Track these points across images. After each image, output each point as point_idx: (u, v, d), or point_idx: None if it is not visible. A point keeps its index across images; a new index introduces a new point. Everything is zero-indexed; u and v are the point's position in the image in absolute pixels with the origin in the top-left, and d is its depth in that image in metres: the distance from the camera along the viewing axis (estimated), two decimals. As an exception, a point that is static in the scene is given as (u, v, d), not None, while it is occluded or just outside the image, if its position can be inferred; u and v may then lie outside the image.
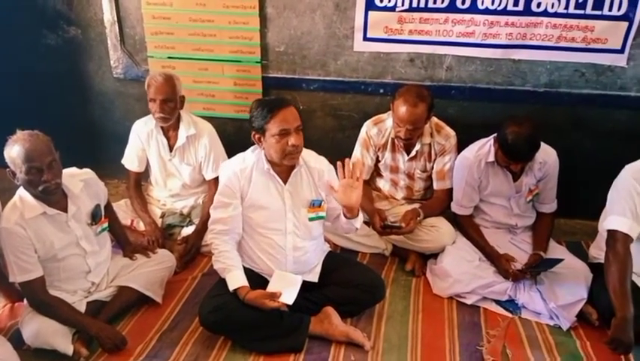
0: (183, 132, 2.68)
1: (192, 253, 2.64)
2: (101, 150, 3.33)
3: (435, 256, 2.59)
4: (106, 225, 2.24)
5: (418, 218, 2.53)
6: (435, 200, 2.69)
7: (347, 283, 2.22)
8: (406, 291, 2.47)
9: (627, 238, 2.13)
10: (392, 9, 2.72)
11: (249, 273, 2.12)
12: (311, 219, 2.16)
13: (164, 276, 2.39)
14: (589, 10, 2.59)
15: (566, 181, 2.61)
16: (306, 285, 2.18)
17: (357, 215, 2.15)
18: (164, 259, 2.41)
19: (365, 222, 2.68)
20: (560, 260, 2.28)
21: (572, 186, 2.74)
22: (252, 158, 2.11)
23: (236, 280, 2.03)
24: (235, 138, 3.10)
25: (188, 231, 2.72)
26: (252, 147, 2.14)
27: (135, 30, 3.06)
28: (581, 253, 2.62)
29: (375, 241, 2.72)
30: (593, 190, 2.39)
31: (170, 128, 2.70)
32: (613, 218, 2.18)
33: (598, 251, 2.34)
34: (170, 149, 2.73)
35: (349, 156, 2.74)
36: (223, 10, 2.86)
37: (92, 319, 2.10)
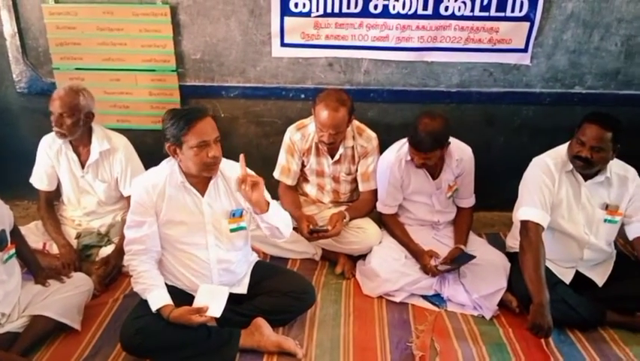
0: (96, 147, 2.54)
1: (113, 274, 2.50)
2: (7, 169, 3.09)
3: (364, 257, 2.62)
4: (13, 251, 2.07)
5: (345, 220, 2.55)
6: (361, 201, 2.72)
7: (277, 291, 2.19)
8: (337, 294, 2.48)
9: (539, 227, 2.26)
10: (307, 14, 2.73)
11: (173, 290, 2.03)
12: (232, 230, 2.11)
13: (82, 301, 2.25)
14: (493, 12, 2.73)
15: (482, 175, 2.73)
16: (235, 297, 2.13)
17: (267, 210, 2.03)
18: (80, 283, 2.27)
19: (293, 228, 2.69)
20: (472, 257, 2.38)
21: (488, 180, 2.86)
22: (164, 171, 2.02)
23: (158, 299, 1.94)
24: (154, 149, 2.90)
25: (107, 251, 2.57)
26: (165, 160, 2.05)
27: (38, 42, 2.87)
28: (500, 243, 2.76)
29: (304, 246, 2.71)
30: (507, 183, 2.52)
31: (80, 144, 2.55)
32: (524, 209, 2.30)
33: (514, 241, 2.45)
34: (82, 165, 2.58)
35: (275, 162, 2.74)
36: (133, 19, 2.74)
37: (3, 353, 1.92)
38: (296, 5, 2.70)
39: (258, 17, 2.76)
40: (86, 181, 2.61)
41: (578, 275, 2.36)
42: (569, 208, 2.32)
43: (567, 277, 2.35)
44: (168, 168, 2.02)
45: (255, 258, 2.34)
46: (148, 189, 1.99)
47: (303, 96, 2.93)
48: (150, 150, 2.86)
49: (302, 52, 2.84)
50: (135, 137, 2.73)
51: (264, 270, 2.28)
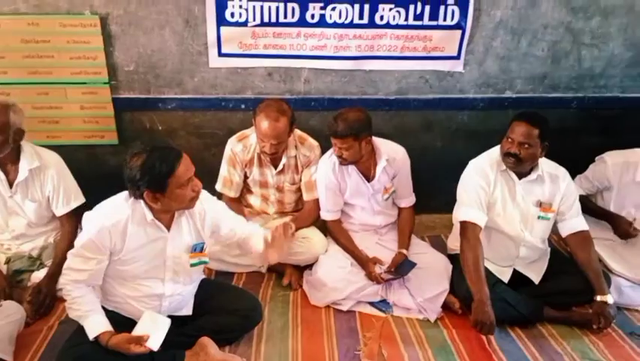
0: (25, 165, 2.39)
1: (46, 302, 2.36)
2: None
3: (310, 266, 2.61)
4: None
5: (290, 231, 2.53)
6: (306, 211, 2.72)
7: (222, 310, 2.14)
8: (284, 306, 2.46)
9: (476, 228, 2.34)
10: (244, 24, 2.70)
11: (113, 315, 1.94)
12: (193, 265, 2.04)
13: (13, 330, 2.11)
14: (426, 21, 2.80)
15: (422, 179, 2.80)
16: (180, 319, 2.06)
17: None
18: (10, 312, 2.13)
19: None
20: (413, 265, 2.44)
21: (428, 183, 2.94)
22: (125, 210, 1.88)
23: (96, 325, 1.85)
24: (87, 165, 2.87)
25: (39, 275, 2.42)
26: (123, 197, 1.91)
27: (-43, 55, 2.68)
28: (442, 245, 2.83)
29: (250, 259, 2.67)
30: (446, 185, 2.59)
31: (8, 162, 2.39)
32: (462, 210, 2.39)
33: (454, 242, 2.53)
34: (10, 185, 2.43)
35: (217, 173, 2.68)
36: (60, 30, 2.61)
37: None
38: (232, 15, 2.66)
39: (193, 27, 2.70)
40: (14, 202, 2.45)
41: (516, 273, 2.46)
42: (505, 206, 2.41)
43: (505, 276, 2.44)
44: (129, 207, 1.88)
45: (200, 276, 2.28)
46: (108, 228, 1.84)
47: (243, 106, 2.90)
48: (82, 166, 2.75)
49: (240, 62, 2.80)
50: (66, 153, 2.58)
51: (209, 288, 2.22)
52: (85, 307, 1.86)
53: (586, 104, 3.10)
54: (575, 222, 2.41)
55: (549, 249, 2.53)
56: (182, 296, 2.08)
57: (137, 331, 1.88)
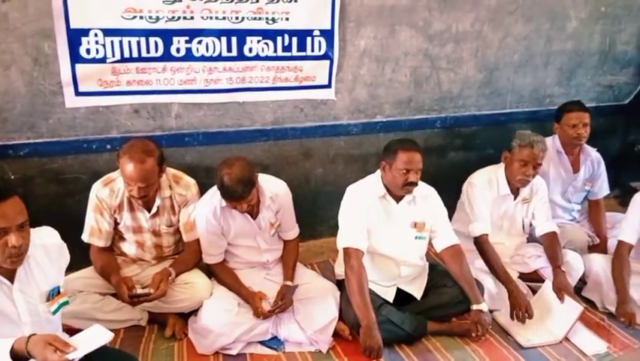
0: None
1: None
2: None
3: (195, 312, 2.47)
4: None
5: (170, 278, 2.38)
6: (187, 253, 2.57)
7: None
8: (169, 360, 2.29)
9: (359, 253, 2.38)
10: (103, 60, 2.53)
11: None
12: (55, 312, 1.80)
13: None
14: (295, 53, 2.84)
15: (307, 206, 2.81)
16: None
17: None
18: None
19: (112, 295, 2.44)
20: (295, 286, 2.43)
21: (313, 210, 2.97)
22: None
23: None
24: None
25: None
26: None
27: None
28: (330, 270, 2.84)
29: (127, 312, 2.46)
30: (330, 210, 2.64)
31: None
32: (344, 237, 2.44)
33: (340, 268, 2.54)
34: None
35: (83, 222, 2.45)
36: None
37: None
38: (88, 51, 2.48)
39: (44, 66, 2.47)
40: None
41: (399, 292, 2.54)
42: (384, 231, 2.49)
43: (390, 296, 2.50)
44: None
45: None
46: None
47: (109, 147, 2.69)
48: None
49: (102, 100, 2.62)
50: None
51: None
52: None
53: (448, 123, 3.35)
54: (446, 237, 2.55)
55: (427, 264, 2.65)
56: None
57: (75, 337, 1.65)
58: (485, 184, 2.78)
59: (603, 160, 3.14)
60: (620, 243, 2.71)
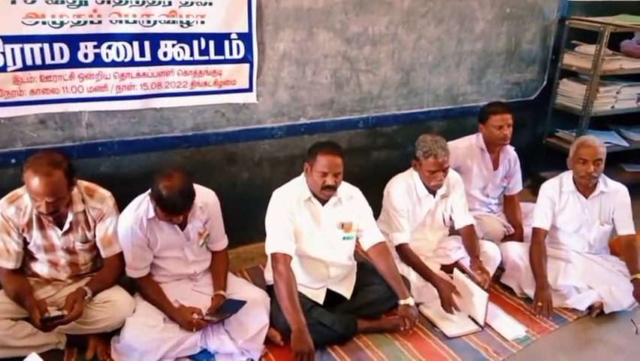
0: None
1: None
2: None
3: (118, 332, 2.34)
4: None
5: (86, 297, 2.25)
6: (106, 270, 2.43)
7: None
8: (91, 384, 2.17)
9: (287, 258, 2.38)
10: (3, 69, 2.34)
11: None
12: None
13: None
14: (213, 56, 2.77)
15: (234, 212, 2.75)
16: None
17: None
18: None
19: (25, 319, 2.26)
20: (243, 303, 2.35)
21: (241, 215, 2.91)
22: None
23: None
24: None
25: None
26: None
27: None
28: (261, 276, 2.80)
29: (43, 337, 2.28)
30: (259, 214, 2.57)
31: None
32: (271, 242, 2.42)
33: (270, 274, 2.51)
34: None
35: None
36: None
37: None
38: (-14, 61, 2.29)
39: None
40: None
41: (329, 293, 2.55)
42: (311, 233, 2.50)
43: (320, 298, 2.51)
44: None
45: None
46: None
47: (14, 161, 2.50)
48: None
49: (3, 111, 2.42)
50: None
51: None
52: None
53: (370, 123, 3.41)
54: (372, 235, 2.59)
55: (355, 263, 2.69)
56: None
57: None
58: (404, 191, 2.82)
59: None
60: (536, 230, 2.88)
